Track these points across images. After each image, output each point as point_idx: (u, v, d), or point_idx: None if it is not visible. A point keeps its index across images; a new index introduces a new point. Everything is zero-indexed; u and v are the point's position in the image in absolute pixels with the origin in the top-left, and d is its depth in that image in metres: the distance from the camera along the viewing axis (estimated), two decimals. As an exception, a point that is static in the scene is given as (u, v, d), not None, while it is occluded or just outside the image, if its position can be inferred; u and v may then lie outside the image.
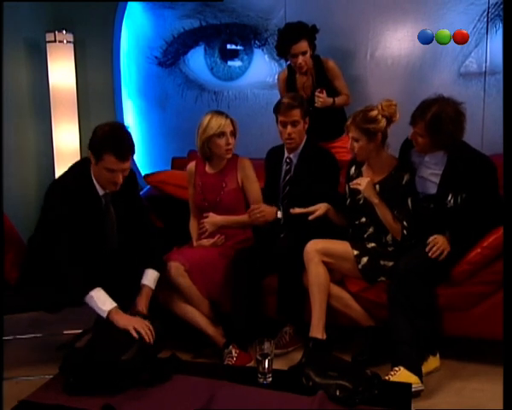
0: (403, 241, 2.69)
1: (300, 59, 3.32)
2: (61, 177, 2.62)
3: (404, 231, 2.68)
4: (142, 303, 2.50)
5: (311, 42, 3.36)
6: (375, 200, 2.68)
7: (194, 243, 3.07)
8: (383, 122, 2.66)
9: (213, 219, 2.96)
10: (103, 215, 2.58)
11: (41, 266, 2.55)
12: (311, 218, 2.81)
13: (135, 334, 2.21)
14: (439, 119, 2.53)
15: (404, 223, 2.68)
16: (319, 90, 3.33)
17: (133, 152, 2.53)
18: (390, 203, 2.69)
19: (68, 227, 2.43)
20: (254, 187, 3.02)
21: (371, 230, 2.78)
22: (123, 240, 2.65)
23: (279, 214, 2.94)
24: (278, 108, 2.96)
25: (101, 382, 2.02)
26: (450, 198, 2.63)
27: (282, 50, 3.40)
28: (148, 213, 2.85)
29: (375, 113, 2.66)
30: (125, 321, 2.27)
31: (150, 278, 2.58)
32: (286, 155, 3.08)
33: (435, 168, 2.69)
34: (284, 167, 3.07)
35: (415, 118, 2.60)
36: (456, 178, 2.62)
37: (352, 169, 2.89)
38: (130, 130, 2.56)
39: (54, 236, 2.44)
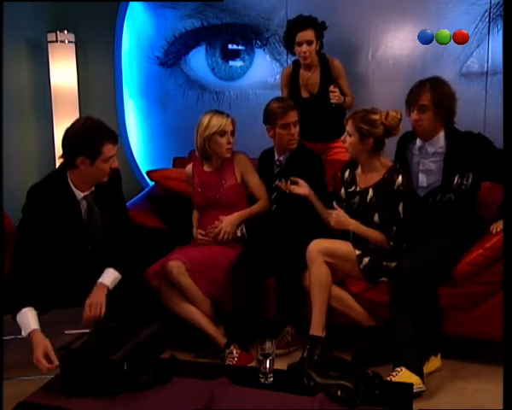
0: (392, 248, 2.69)
1: (305, 47, 3.33)
2: (36, 186, 2.57)
3: (391, 243, 2.68)
4: (98, 300, 2.38)
5: (318, 35, 3.37)
6: (351, 226, 2.72)
7: (195, 231, 3.09)
8: (379, 129, 2.66)
9: (229, 219, 2.97)
10: (85, 217, 2.55)
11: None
12: (292, 189, 2.85)
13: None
14: (438, 82, 2.66)
15: (394, 229, 2.67)
16: (334, 85, 3.33)
17: None
18: (383, 207, 2.70)
19: (36, 240, 2.42)
20: (255, 179, 3.07)
21: None
22: (109, 236, 2.61)
23: (238, 232, 2.96)
24: (275, 113, 2.95)
25: (96, 383, 2.02)
26: (456, 180, 2.65)
27: (289, 39, 3.42)
28: (127, 212, 2.77)
29: (376, 117, 2.67)
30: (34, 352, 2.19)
31: (108, 276, 2.46)
32: (276, 157, 3.09)
33: (438, 155, 2.72)
34: (275, 170, 3.09)
35: (413, 97, 2.68)
36: (460, 159, 2.66)
37: (347, 173, 2.90)
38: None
39: (18, 245, 2.45)
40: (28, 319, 2.27)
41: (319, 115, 3.35)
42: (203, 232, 3.03)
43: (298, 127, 2.97)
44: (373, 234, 2.71)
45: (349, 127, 2.72)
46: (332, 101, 3.29)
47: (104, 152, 2.40)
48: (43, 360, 2.15)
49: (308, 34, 3.32)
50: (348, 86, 3.48)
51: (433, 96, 2.63)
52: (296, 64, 3.52)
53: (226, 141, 2.96)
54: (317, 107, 3.37)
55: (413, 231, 2.75)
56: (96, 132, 2.39)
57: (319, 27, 3.37)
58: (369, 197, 2.74)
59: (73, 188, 2.50)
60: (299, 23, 3.34)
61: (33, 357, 2.19)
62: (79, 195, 2.52)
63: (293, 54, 3.49)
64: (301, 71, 3.48)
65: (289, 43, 3.44)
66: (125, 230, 2.64)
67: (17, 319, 2.29)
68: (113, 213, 2.61)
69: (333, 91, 3.29)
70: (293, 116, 2.94)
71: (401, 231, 2.68)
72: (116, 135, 2.46)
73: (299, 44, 3.35)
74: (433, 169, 2.72)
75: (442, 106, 2.64)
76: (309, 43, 3.33)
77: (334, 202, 2.79)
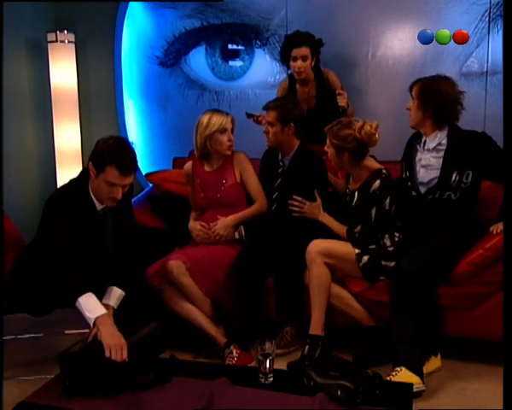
0: (352, 241, 2.74)
1: (299, 63, 3.32)
2: (59, 191, 2.57)
3: (347, 236, 2.74)
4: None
5: (314, 51, 3.37)
6: (320, 217, 2.85)
7: (191, 223, 3.09)
8: (351, 145, 2.69)
9: (224, 222, 2.97)
10: (100, 227, 2.55)
11: (31, 271, 2.51)
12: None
13: (108, 353, 2.07)
14: (434, 78, 2.71)
15: (358, 228, 2.71)
16: (341, 87, 3.34)
17: (136, 168, 2.47)
18: (364, 209, 2.72)
19: (65, 236, 2.37)
20: (253, 180, 3.07)
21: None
22: (117, 243, 2.60)
23: (236, 235, 2.98)
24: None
25: (96, 383, 2.02)
26: (455, 177, 2.65)
27: (284, 54, 3.41)
28: (135, 226, 2.74)
29: (348, 132, 2.69)
30: (106, 337, 2.12)
31: (113, 296, 2.40)
32: (280, 157, 3.10)
33: (439, 151, 2.71)
34: (278, 170, 3.10)
35: (410, 87, 2.77)
36: (459, 155, 2.66)
37: None
38: (134, 146, 2.51)
39: (52, 242, 2.38)
40: (95, 301, 2.24)
41: (317, 126, 3.35)
42: (205, 224, 3.00)
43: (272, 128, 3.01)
44: (336, 227, 2.82)
45: (327, 139, 2.77)
46: (340, 104, 3.29)
47: (106, 171, 2.35)
48: (121, 350, 2.08)
49: (303, 50, 3.30)
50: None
51: (420, 89, 2.69)
52: (292, 78, 3.51)
53: (227, 138, 2.98)
54: (315, 119, 3.36)
55: (413, 230, 2.75)
56: (109, 150, 2.36)
57: (315, 44, 3.36)
58: (354, 200, 2.78)
59: (94, 199, 2.49)
60: (295, 39, 3.34)
61: (107, 343, 2.08)
62: (99, 206, 2.51)
63: (289, 68, 3.47)
64: (297, 86, 3.48)
65: (285, 57, 3.43)
66: (130, 242, 2.61)
67: (77, 303, 2.22)
68: (122, 224, 2.61)
69: (340, 94, 3.29)
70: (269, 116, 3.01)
71: (368, 233, 2.72)
72: (126, 167, 2.37)
73: (294, 60, 3.34)
74: (433, 164, 2.72)
75: (429, 100, 2.66)
76: (304, 58, 3.32)
77: (316, 191, 2.87)
